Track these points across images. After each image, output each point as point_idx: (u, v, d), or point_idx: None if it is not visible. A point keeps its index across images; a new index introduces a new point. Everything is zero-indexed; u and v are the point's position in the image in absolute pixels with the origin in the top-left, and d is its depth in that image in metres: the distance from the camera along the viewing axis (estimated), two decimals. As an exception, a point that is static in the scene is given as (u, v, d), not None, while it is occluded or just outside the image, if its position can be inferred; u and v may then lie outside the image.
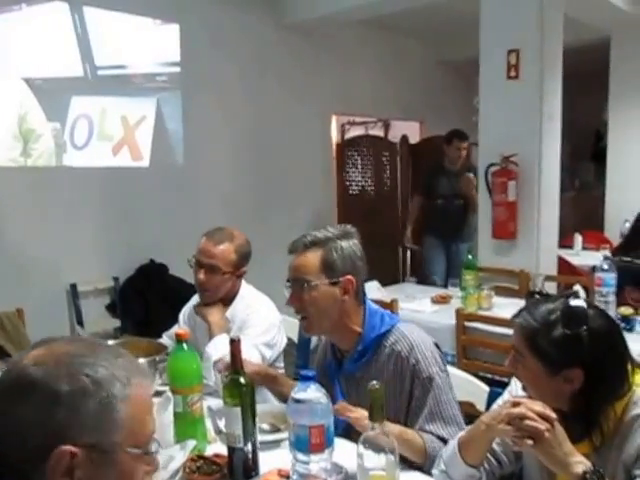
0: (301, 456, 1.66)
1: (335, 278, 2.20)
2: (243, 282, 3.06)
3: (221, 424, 2.27)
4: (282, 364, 3.05)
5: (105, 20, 5.56)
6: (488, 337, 3.97)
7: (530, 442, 1.58)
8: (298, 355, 3.46)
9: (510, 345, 3.63)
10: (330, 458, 1.69)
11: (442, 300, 4.74)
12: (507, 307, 4.42)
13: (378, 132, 9.85)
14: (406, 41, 8.23)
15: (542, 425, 1.58)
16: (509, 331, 3.73)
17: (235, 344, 1.98)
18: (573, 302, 1.73)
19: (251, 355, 2.56)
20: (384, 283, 4.98)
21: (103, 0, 5.52)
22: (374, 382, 1.65)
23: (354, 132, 9.74)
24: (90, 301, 5.66)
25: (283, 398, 2.53)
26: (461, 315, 4.06)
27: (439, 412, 2.12)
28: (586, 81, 6.22)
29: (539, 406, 1.62)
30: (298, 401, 1.67)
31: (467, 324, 4.05)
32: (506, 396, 2.03)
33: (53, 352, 1.14)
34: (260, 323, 2.89)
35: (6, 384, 1.13)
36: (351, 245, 2.24)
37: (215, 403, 2.41)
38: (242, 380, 1.95)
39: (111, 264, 5.77)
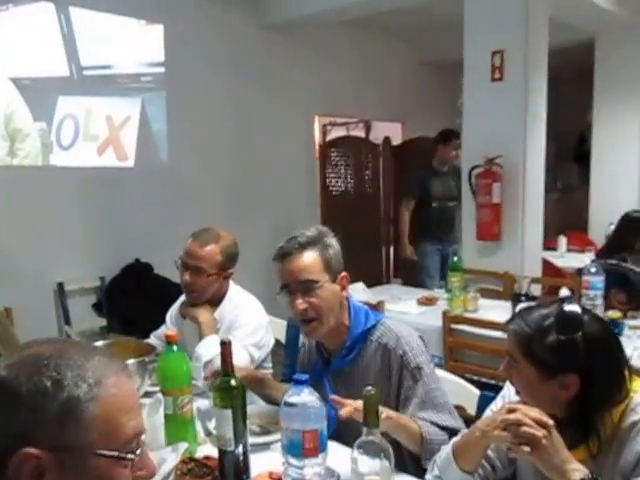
0: (294, 461, 1.65)
1: (334, 275, 2.25)
2: (231, 283, 3.06)
3: (210, 425, 2.26)
4: (270, 364, 3.06)
5: (91, 20, 5.55)
6: (474, 339, 3.98)
7: (527, 449, 1.58)
8: (286, 355, 3.46)
9: (497, 347, 3.69)
10: (324, 463, 1.69)
11: (428, 302, 4.75)
12: (492, 309, 4.46)
13: (359, 133, 9.86)
14: (389, 41, 8.23)
15: (539, 432, 1.57)
16: (495, 333, 3.84)
17: (226, 346, 1.97)
18: (567, 307, 1.73)
19: (240, 356, 2.56)
20: (368, 284, 4.98)
21: (89, 0, 5.50)
22: (369, 387, 1.65)
23: (335, 133, 9.72)
24: (77, 300, 5.67)
25: (270, 400, 2.54)
26: (448, 317, 4.06)
27: (430, 400, 2.15)
28: (569, 83, 6.24)
29: (535, 412, 1.61)
30: (291, 405, 1.66)
31: (453, 326, 4.06)
32: (499, 401, 2.03)
33: (24, 354, 1.12)
34: (249, 324, 2.89)
35: None
36: (336, 242, 2.30)
37: (204, 404, 2.41)
38: (233, 382, 1.93)
39: (97, 263, 5.78)
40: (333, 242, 2.28)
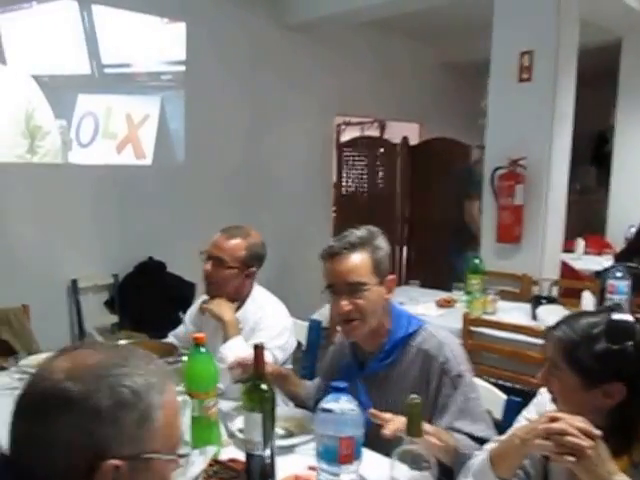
0: (328, 467, 1.63)
1: (382, 278, 2.22)
2: (255, 284, 3.05)
3: (234, 427, 2.27)
4: (290, 367, 3.03)
5: (113, 18, 5.54)
6: (492, 342, 3.97)
7: (571, 459, 1.53)
8: (305, 357, 3.45)
9: (516, 350, 3.66)
10: (358, 470, 1.67)
11: (447, 304, 4.74)
12: (511, 311, 4.45)
13: (374, 133, 9.84)
14: (408, 43, 8.19)
15: (585, 442, 1.52)
16: (515, 336, 3.82)
17: (259, 350, 1.97)
18: (617, 316, 1.70)
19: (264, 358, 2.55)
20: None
21: (111, -2, 5.51)
22: (414, 396, 1.63)
23: (349, 133, 9.73)
24: (89, 297, 5.66)
25: (293, 397, 2.56)
26: (468, 320, 4.05)
27: (468, 409, 2.12)
28: (588, 84, 6.20)
29: (581, 422, 1.56)
30: (328, 411, 1.64)
31: (472, 328, 4.04)
32: (532, 408, 2.00)
33: (86, 364, 1.11)
34: (274, 326, 2.88)
35: (38, 401, 1.10)
36: (387, 243, 2.27)
37: (226, 405, 2.41)
38: (264, 386, 1.93)
39: (111, 261, 5.78)
40: (383, 243, 2.26)
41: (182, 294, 5.76)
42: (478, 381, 2.54)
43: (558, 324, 1.81)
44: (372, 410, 1.92)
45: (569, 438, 1.54)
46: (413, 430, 1.61)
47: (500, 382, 3.64)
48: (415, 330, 2.27)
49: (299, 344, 3.35)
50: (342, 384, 1.67)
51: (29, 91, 5.13)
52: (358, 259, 2.19)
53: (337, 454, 1.60)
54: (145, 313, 5.58)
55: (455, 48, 8.24)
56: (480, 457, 1.83)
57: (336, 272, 2.21)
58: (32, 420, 1.08)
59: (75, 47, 5.39)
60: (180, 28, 5.98)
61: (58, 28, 5.27)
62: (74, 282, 5.52)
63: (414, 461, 1.58)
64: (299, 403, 2.55)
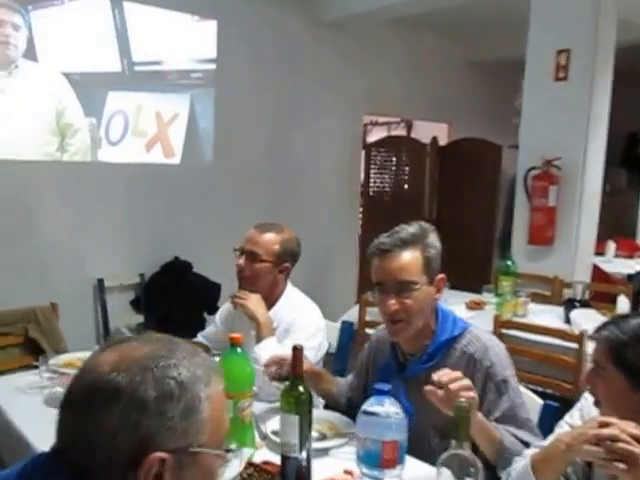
0: (370, 471, 1.60)
1: (432, 276, 2.17)
2: (289, 284, 3.02)
3: (266, 429, 2.24)
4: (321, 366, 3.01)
5: (144, 15, 5.54)
6: (524, 345, 3.89)
7: (622, 466, 1.47)
8: (336, 359, 3.42)
9: (547, 354, 3.61)
10: (401, 475, 1.63)
11: (476, 306, 4.70)
12: (542, 314, 4.41)
13: (400, 133, 9.79)
14: (438, 41, 8.12)
15: (638, 449, 1.47)
16: (547, 339, 3.75)
17: (297, 352, 1.94)
18: None
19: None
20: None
21: (143, -5, 5.51)
22: (462, 399, 1.60)
23: (376, 132, 9.70)
24: (115, 296, 5.67)
25: (325, 395, 2.53)
26: (499, 322, 3.99)
27: (513, 415, 2.07)
28: (621, 83, 6.10)
29: (633, 427, 1.50)
30: (372, 414, 1.61)
31: (503, 331, 3.96)
32: (575, 413, 1.95)
33: (132, 356, 1.10)
34: (308, 327, 2.85)
35: (85, 393, 1.09)
36: (439, 240, 2.21)
37: (257, 407, 2.37)
38: (301, 388, 1.91)
39: (137, 260, 5.79)
40: (435, 241, 2.20)
41: (208, 295, 5.76)
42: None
43: (605, 325, 1.77)
44: (428, 388, 1.84)
45: (621, 445, 1.49)
46: (461, 434, 1.56)
47: (531, 386, 3.59)
48: (460, 333, 2.22)
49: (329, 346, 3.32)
50: (386, 387, 1.63)
51: (60, 89, 5.13)
52: (409, 257, 2.14)
53: (379, 458, 1.57)
54: (171, 313, 5.58)
55: (486, 46, 8.14)
56: (521, 462, 1.78)
57: (386, 270, 2.16)
58: (79, 412, 1.08)
59: (106, 45, 5.39)
60: (211, 26, 5.97)
61: (89, 25, 5.27)
62: (100, 281, 5.52)
63: (460, 466, 1.54)
64: (330, 401, 2.52)
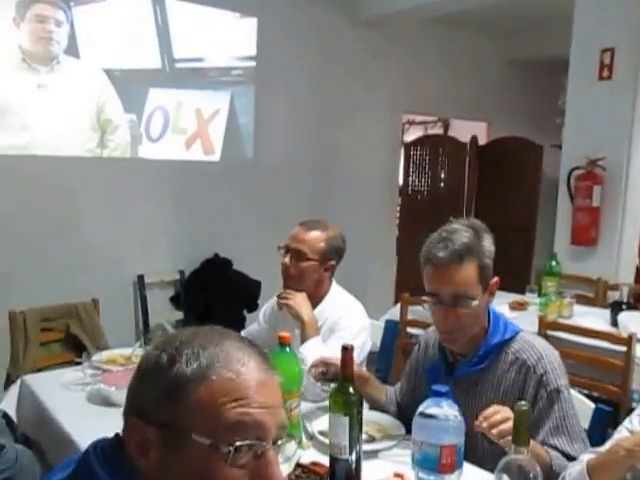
0: (427, 476, 1.55)
1: (486, 283, 2.12)
2: (334, 282, 2.98)
3: (313, 429, 2.22)
4: (364, 368, 2.96)
5: (185, 12, 5.54)
6: (570, 347, 3.78)
7: None
8: (380, 359, 3.38)
9: (594, 356, 3.55)
10: None
11: (519, 307, 4.62)
12: (587, 316, 4.33)
13: (437, 132, 9.73)
14: (478, 40, 8.03)
15: None
16: (593, 342, 3.67)
17: (348, 352, 1.90)
18: None
19: None
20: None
21: (185, -8, 5.51)
22: (522, 402, 1.54)
23: (413, 132, 9.65)
24: (155, 292, 5.68)
25: (371, 400, 2.46)
26: (544, 323, 3.92)
27: (565, 426, 2.01)
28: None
29: None
30: (429, 416, 1.56)
31: (549, 332, 3.89)
32: (635, 419, 1.88)
33: (171, 335, 1.15)
34: (353, 326, 2.81)
35: None
36: (492, 242, 2.15)
37: (304, 407, 2.34)
38: (351, 389, 1.87)
39: (177, 257, 5.79)
40: (489, 245, 2.14)
41: (247, 292, 5.75)
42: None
43: None
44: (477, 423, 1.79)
45: None
46: (520, 438, 1.51)
47: (577, 389, 3.52)
48: (511, 336, 2.17)
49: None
50: (444, 388, 1.59)
51: (100, 85, 5.15)
52: (466, 271, 2.07)
53: (437, 463, 1.52)
54: (210, 310, 5.57)
55: (526, 45, 8.05)
56: (576, 467, 1.73)
57: (441, 282, 2.10)
58: None
59: (147, 41, 5.40)
60: (252, 23, 5.95)
61: (131, 22, 5.29)
62: (140, 278, 5.54)
63: (520, 472, 1.49)
64: (376, 407, 2.46)
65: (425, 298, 2.15)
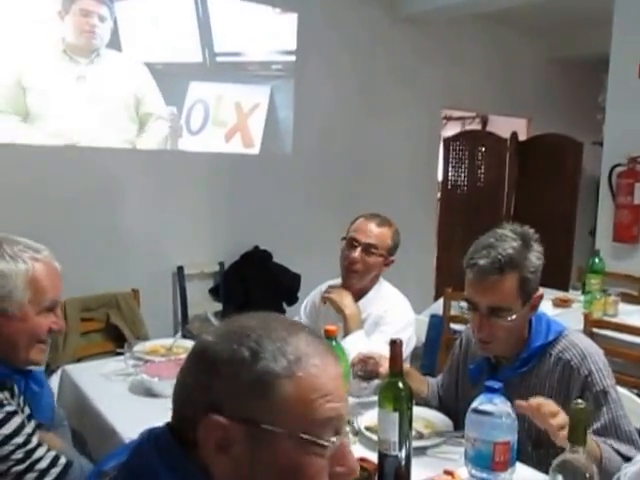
0: (480, 474, 1.53)
1: (528, 296, 2.07)
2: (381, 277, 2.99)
3: (359, 425, 2.21)
4: (407, 364, 2.95)
5: (226, 7, 5.55)
6: (616, 345, 3.74)
7: None
8: (425, 354, 3.37)
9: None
10: (512, 479, 1.57)
11: (563, 304, 4.58)
12: (633, 314, 4.26)
13: (475, 128, 9.68)
14: (518, 37, 7.96)
15: None
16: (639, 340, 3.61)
17: (396, 345, 1.89)
18: None
19: (387, 352, 2.48)
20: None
21: (226, -13, 5.51)
22: (579, 401, 1.52)
23: (451, 128, 9.61)
24: (195, 284, 5.69)
25: (414, 393, 2.43)
26: (590, 321, 3.86)
27: (614, 428, 1.97)
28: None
29: None
30: (483, 413, 1.54)
31: (595, 330, 3.83)
32: None
33: (232, 325, 1.13)
34: (399, 320, 2.82)
35: (188, 355, 1.14)
36: (539, 256, 2.10)
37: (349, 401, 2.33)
38: (400, 384, 1.86)
39: (217, 249, 5.80)
40: (536, 258, 2.08)
41: (287, 285, 5.75)
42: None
43: None
44: (518, 402, 1.77)
45: None
46: (576, 437, 1.49)
47: (626, 388, 3.48)
48: (555, 337, 2.13)
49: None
50: (497, 384, 1.57)
51: (140, 77, 5.17)
52: (505, 284, 2.02)
53: (491, 460, 1.51)
54: (250, 302, 5.57)
55: (567, 43, 7.98)
56: (632, 468, 1.69)
57: (479, 292, 2.07)
58: (181, 372, 1.12)
59: (188, 35, 5.41)
60: (292, 18, 5.95)
61: (172, 16, 5.30)
62: (180, 269, 5.55)
63: (575, 473, 1.47)
64: (420, 401, 2.43)
65: (462, 304, 2.16)
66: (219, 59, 5.59)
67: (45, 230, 4.73)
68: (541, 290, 2.11)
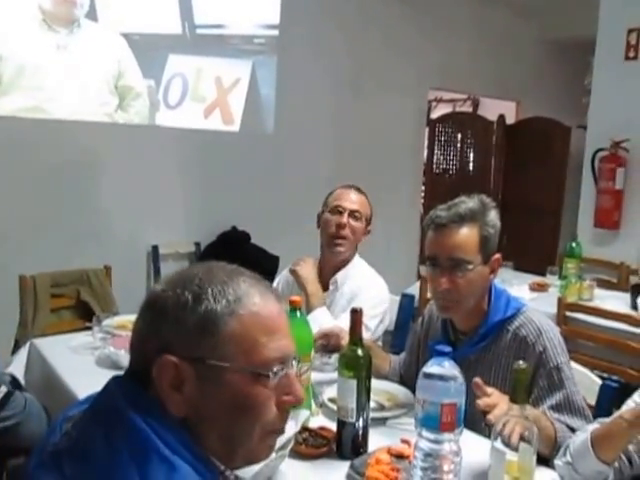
0: (429, 434, 1.53)
1: (487, 256, 2.08)
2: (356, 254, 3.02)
3: (322, 396, 2.23)
4: (380, 343, 2.96)
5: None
6: (588, 329, 3.79)
7: None
8: (396, 334, 3.34)
9: (613, 339, 3.50)
10: (458, 439, 1.56)
11: (540, 288, 4.58)
12: (608, 299, 4.27)
13: (466, 110, 9.64)
14: (510, 17, 7.85)
15: None
16: (612, 324, 3.62)
17: (357, 314, 1.91)
18: None
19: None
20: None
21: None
22: (520, 362, 1.60)
23: (441, 110, 9.56)
24: (169, 264, 5.59)
25: (375, 369, 2.40)
26: (564, 304, 3.87)
27: (567, 404, 1.99)
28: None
29: None
30: (431, 376, 1.54)
31: (568, 314, 3.86)
32: None
33: (178, 274, 1.20)
34: (374, 296, 2.84)
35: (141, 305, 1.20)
36: (498, 217, 2.13)
37: (315, 375, 2.33)
38: (360, 352, 1.89)
39: (193, 228, 5.74)
40: (495, 219, 2.11)
41: (265, 267, 5.65)
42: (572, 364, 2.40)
43: None
44: (477, 379, 1.80)
45: None
46: (518, 397, 1.59)
47: (595, 372, 3.46)
48: (513, 313, 2.13)
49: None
50: (447, 348, 1.57)
51: (119, 50, 5.09)
52: (465, 234, 2.05)
53: (438, 421, 1.51)
54: (224, 283, 5.49)
55: (559, 24, 7.90)
56: (580, 437, 1.75)
57: (440, 245, 2.08)
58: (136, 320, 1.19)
59: (167, 6, 5.33)
60: (275, -10, 5.86)
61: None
62: (155, 248, 5.49)
63: None
64: (380, 377, 2.43)
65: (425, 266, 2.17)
66: (199, 31, 5.50)
67: (17, 204, 4.70)
68: (499, 254, 2.13)
